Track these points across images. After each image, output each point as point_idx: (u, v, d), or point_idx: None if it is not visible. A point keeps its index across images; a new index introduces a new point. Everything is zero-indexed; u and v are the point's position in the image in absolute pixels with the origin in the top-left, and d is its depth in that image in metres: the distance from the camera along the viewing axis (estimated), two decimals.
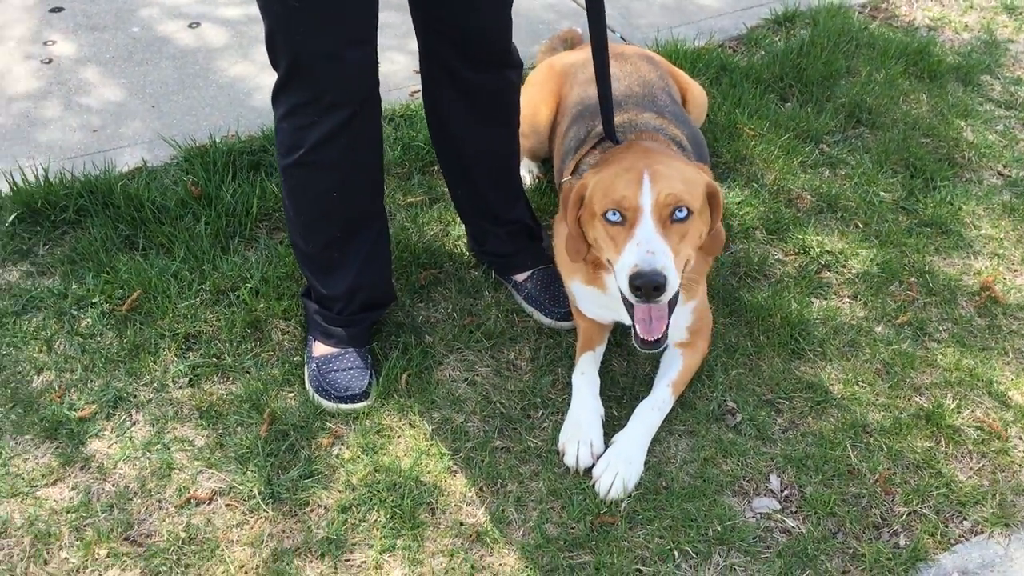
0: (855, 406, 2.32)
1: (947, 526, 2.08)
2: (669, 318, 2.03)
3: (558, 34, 3.30)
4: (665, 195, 1.93)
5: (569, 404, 2.25)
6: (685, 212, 1.95)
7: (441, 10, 2.10)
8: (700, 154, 2.46)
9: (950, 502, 2.12)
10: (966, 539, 2.06)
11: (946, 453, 2.22)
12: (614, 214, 1.97)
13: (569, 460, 2.14)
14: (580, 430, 2.17)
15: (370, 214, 2.24)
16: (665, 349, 2.22)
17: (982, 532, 2.08)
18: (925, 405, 2.32)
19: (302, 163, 2.06)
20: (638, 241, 1.92)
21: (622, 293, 1.99)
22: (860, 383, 2.38)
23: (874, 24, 3.79)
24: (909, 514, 2.10)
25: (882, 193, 2.92)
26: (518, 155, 2.48)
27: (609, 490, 2.09)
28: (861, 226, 2.81)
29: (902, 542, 2.05)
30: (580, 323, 2.38)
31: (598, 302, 2.27)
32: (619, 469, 2.11)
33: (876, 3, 3.97)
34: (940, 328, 2.53)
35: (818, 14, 3.73)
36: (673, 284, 1.91)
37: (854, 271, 2.67)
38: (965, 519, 2.10)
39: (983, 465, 2.20)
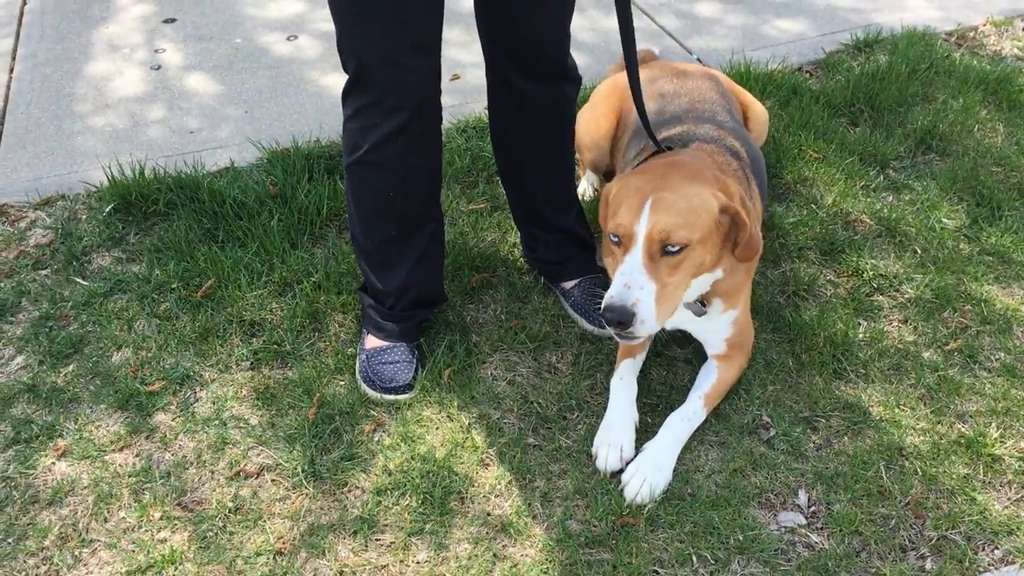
0: (893, 429, 2.31)
1: (976, 554, 2.06)
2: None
3: None
4: (659, 230, 1.97)
5: (606, 408, 2.32)
6: (678, 248, 1.98)
7: (503, 22, 2.21)
8: (757, 168, 2.49)
9: (982, 530, 2.10)
10: (995, 568, 2.04)
11: (984, 481, 2.20)
12: (614, 236, 2.04)
13: (599, 463, 2.22)
14: (612, 434, 2.24)
15: (425, 215, 2.37)
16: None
17: (1013, 563, 2.05)
18: (967, 432, 2.30)
19: (363, 162, 2.20)
20: (622, 271, 1.98)
21: None
22: (901, 406, 2.37)
23: (958, 52, 3.74)
24: (938, 539, 2.09)
25: (945, 220, 2.89)
26: (572, 166, 2.57)
27: (636, 494, 2.15)
28: (919, 252, 2.79)
29: (928, 566, 2.04)
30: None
31: None
32: (647, 475, 2.17)
33: (963, 32, 3.91)
34: (992, 357, 2.49)
35: (899, 40, 3.70)
36: (646, 318, 1.95)
37: (907, 295, 2.66)
38: (996, 548, 2.07)
39: (1022, 496, 2.17)
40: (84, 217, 3.00)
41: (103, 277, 2.75)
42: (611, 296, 1.97)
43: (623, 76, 2.88)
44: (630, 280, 1.97)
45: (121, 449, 2.28)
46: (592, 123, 2.75)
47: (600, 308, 2.00)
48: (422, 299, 2.45)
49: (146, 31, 4.07)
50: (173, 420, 2.35)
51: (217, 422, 2.34)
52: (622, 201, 2.06)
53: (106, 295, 2.69)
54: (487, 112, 2.48)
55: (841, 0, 4.19)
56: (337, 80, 3.69)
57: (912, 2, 4.17)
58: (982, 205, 2.93)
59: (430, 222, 2.38)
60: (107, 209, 2.96)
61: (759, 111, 2.86)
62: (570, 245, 2.61)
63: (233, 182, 3.04)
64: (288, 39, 4.02)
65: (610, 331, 2.50)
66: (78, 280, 2.75)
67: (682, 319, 2.33)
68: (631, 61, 2.17)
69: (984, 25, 3.96)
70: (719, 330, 2.35)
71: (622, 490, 2.17)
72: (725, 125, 2.50)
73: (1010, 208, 2.92)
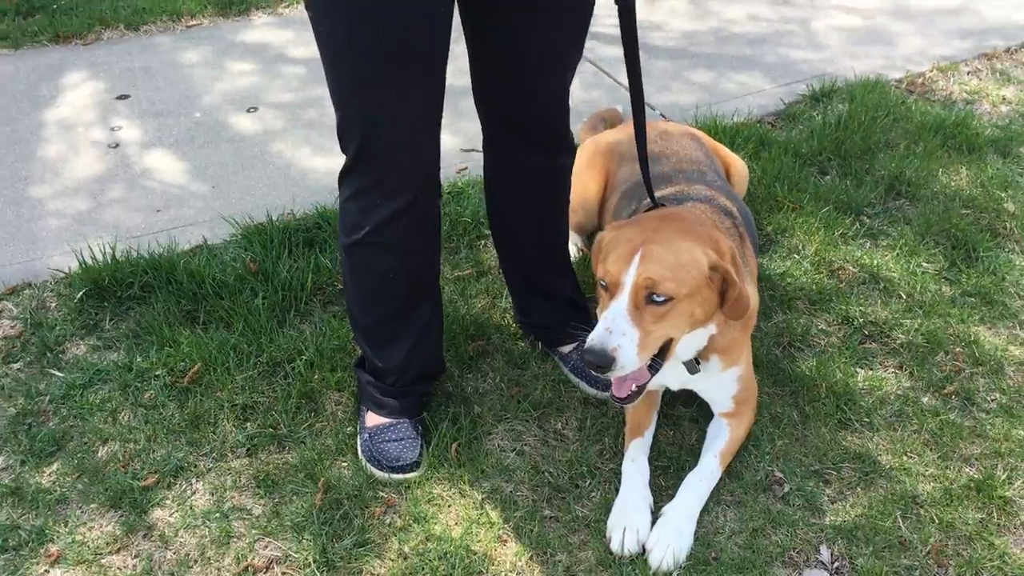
0: (904, 477, 2.32)
1: None
2: (650, 379, 2.11)
3: (598, 112, 3.41)
4: (645, 279, 1.98)
5: (619, 484, 2.27)
6: (663, 299, 1.99)
7: (504, 99, 2.21)
8: (748, 227, 2.51)
9: (1004, 575, 2.10)
10: None
11: (999, 525, 2.21)
12: (603, 281, 2.04)
13: (615, 546, 2.16)
14: (628, 517, 2.18)
15: (427, 290, 2.33)
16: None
17: None
18: (975, 476, 2.31)
19: (364, 243, 2.15)
20: (606, 315, 1.99)
21: None
22: (909, 454, 2.38)
23: (911, 98, 3.86)
24: None
25: (924, 264, 2.95)
26: (567, 233, 2.56)
27: (660, 563, 2.11)
28: (904, 297, 2.84)
29: None
30: (628, 418, 2.40)
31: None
32: (670, 541, 2.13)
33: (912, 78, 4.04)
34: (988, 398, 2.53)
35: (855, 89, 3.81)
36: (625, 363, 1.96)
37: (898, 341, 2.69)
38: None
39: None
40: (54, 305, 2.88)
41: (80, 367, 2.63)
42: (592, 339, 1.97)
43: (603, 137, 2.91)
44: (612, 325, 1.97)
45: (118, 551, 2.16)
46: (580, 186, 2.76)
47: (583, 353, 1.99)
48: (424, 373, 2.39)
49: (99, 109, 3.99)
50: (171, 515, 2.24)
51: (218, 514, 2.23)
52: (613, 249, 2.06)
53: (85, 386, 2.57)
54: (484, 184, 2.46)
55: (792, 52, 4.31)
56: (303, 152, 3.66)
57: (858, 51, 4.31)
58: (958, 248, 3.00)
59: (431, 296, 2.34)
60: (78, 295, 2.84)
61: (740, 167, 2.89)
62: (566, 310, 2.59)
63: (210, 261, 2.96)
64: (248, 111, 3.96)
65: (608, 394, 2.50)
66: (54, 372, 2.63)
67: (689, 378, 2.31)
68: (639, 122, 2.18)
69: (931, 71, 4.11)
70: (724, 387, 2.34)
71: (646, 559, 2.13)
72: (714, 184, 2.52)
73: (985, 249, 2.99)
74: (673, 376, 2.31)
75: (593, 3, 2.11)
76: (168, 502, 2.27)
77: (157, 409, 2.50)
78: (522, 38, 2.07)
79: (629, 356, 1.97)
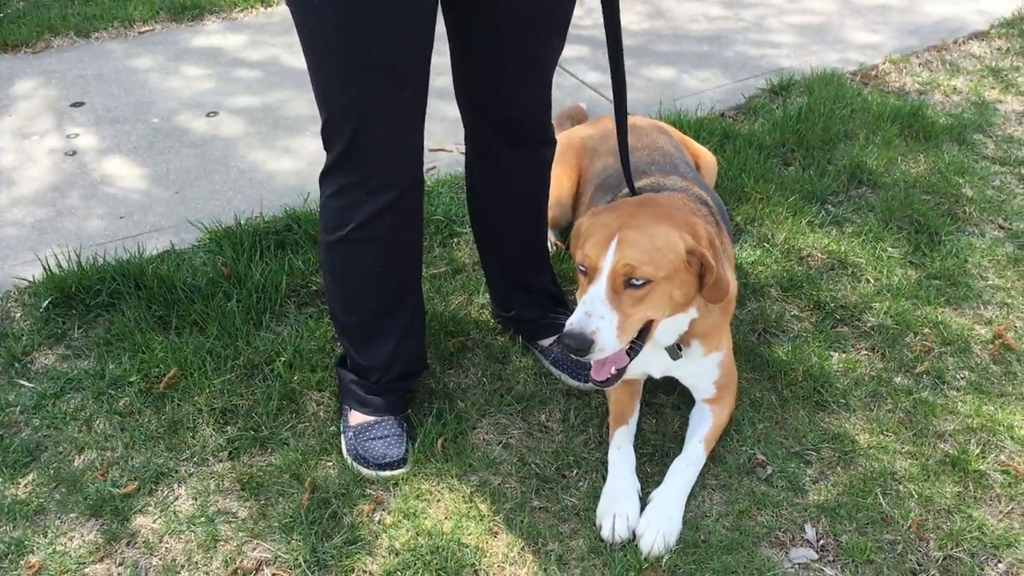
0: (882, 455, 2.36)
1: (983, 569, 2.11)
2: (629, 362, 2.13)
3: (564, 111, 3.42)
4: (623, 264, 2.00)
5: (606, 473, 2.28)
6: (641, 281, 2.01)
7: (487, 97, 2.21)
8: (723, 215, 2.55)
9: (984, 545, 2.15)
10: None
11: (975, 497, 2.26)
12: (581, 266, 2.07)
13: (606, 533, 2.17)
14: (617, 504, 2.20)
15: (410, 287, 2.32)
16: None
17: (1017, 574, 2.11)
18: (950, 451, 2.37)
19: (347, 239, 2.14)
20: (584, 300, 2.02)
21: None
22: (885, 432, 2.43)
23: (866, 90, 3.95)
24: (944, 559, 2.13)
25: (890, 249, 3.01)
26: (546, 227, 2.57)
27: (651, 547, 2.12)
28: (872, 281, 2.90)
29: None
30: (610, 396, 2.42)
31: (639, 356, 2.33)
32: (660, 526, 2.15)
33: (866, 71, 4.14)
34: (958, 376, 2.59)
35: (812, 82, 3.89)
36: (605, 345, 1.99)
37: (869, 324, 2.75)
38: (1000, 561, 2.13)
39: (1012, 508, 2.24)
40: (18, 315, 2.81)
41: (50, 377, 2.57)
42: (571, 323, 1.99)
43: (574, 133, 2.92)
44: (591, 309, 1.99)
45: (102, 559, 2.11)
46: (554, 183, 2.76)
47: (562, 336, 2.00)
48: (407, 370, 2.38)
49: (54, 116, 3.91)
50: (154, 522, 2.20)
51: (203, 519, 2.20)
52: (591, 234, 2.08)
53: (57, 396, 2.51)
54: (465, 182, 2.46)
55: (748, 48, 4.38)
56: (267, 155, 3.62)
57: (812, 46, 4.40)
58: (920, 232, 3.08)
59: (414, 293, 2.33)
60: (44, 304, 2.78)
61: (709, 159, 2.93)
62: (546, 303, 2.60)
63: (179, 265, 2.91)
64: (208, 115, 3.91)
65: (590, 385, 2.52)
66: (22, 383, 2.56)
67: (671, 364, 2.34)
68: (621, 116, 2.19)
69: (883, 64, 4.21)
70: (707, 374, 2.37)
71: (637, 544, 2.14)
72: (688, 175, 2.55)
73: (946, 233, 3.07)
74: (656, 363, 2.33)
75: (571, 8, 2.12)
76: (151, 508, 2.23)
77: (133, 416, 2.46)
78: (504, 35, 2.08)
79: (608, 339, 1.99)
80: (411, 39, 1.92)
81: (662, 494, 2.22)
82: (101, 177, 3.50)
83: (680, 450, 2.33)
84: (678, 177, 2.49)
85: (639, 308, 2.03)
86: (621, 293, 2.01)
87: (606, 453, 2.33)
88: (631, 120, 2.84)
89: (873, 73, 4.12)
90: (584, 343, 1.96)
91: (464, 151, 2.42)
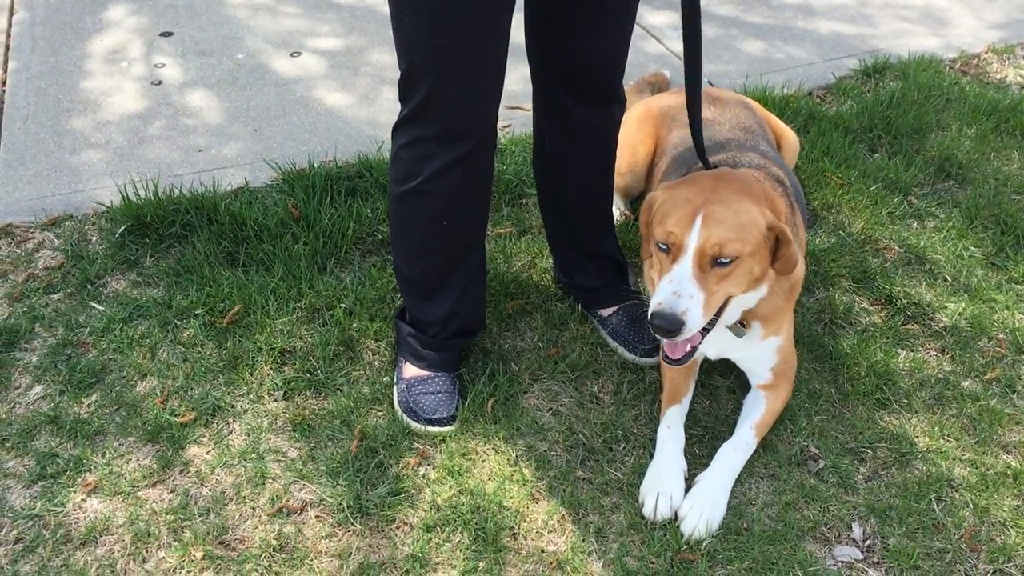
0: (940, 460, 2.30)
1: None
2: (702, 341, 2.09)
3: (645, 77, 3.36)
4: (712, 243, 1.96)
5: (653, 451, 2.27)
6: (729, 260, 1.97)
7: (561, 48, 2.17)
8: (798, 197, 2.48)
9: None
10: None
11: None
12: (663, 244, 2.02)
13: (647, 511, 2.15)
14: (662, 482, 2.18)
15: (473, 244, 2.31)
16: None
17: None
18: (1013, 463, 2.30)
19: (417, 191, 2.14)
20: (671, 278, 1.97)
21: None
22: (946, 437, 2.36)
23: (965, 79, 3.78)
24: (994, 572, 2.08)
25: (971, 248, 2.91)
26: (612, 191, 2.54)
27: (693, 530, 2.11)
28: (949, 280, 2.80)
29: None
30: (666, 373, 2.39)
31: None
32: (704, 509, 2.13)
33: (967, 59, 3.96)
34: None
35: (908, 67, 3.74)
36: (693, 326, 1.95)
37: (941, 324, 2.66)
38: None
39: None
40: (95, 239, 2.89)
41: (120, 302, 2.64)
42: (660, 303, 1.95)
43: (655, 101, 2.86)
44: (679, 288, 1.95)
45: (155, 484, 2.18)
46: (628, 149, 2.72)
47: (650, 318, 1.96)
48: (465, 327, 2.39)
49: (143, 44, 3.97)
50: (207, 453, 2.26)
51: (254, 455, 2.25)
52: (671, 210, 2.03)
53: (125, 321, 2.59)
54: (532, 138, 2.43)
55: (844, 27, 4.23)
56: (345, 99, 3.63)
57: (912, 29, 4.22)
58: (1007, 233, 2.96)
59: (478, 250, 2.33)
60: (120, 231, 2.85)
61: (791, 139, 2.85)
62: (608, 271, 2.57)
63: (251, 203, 2.95)
64: (291, 55, 3.93)
65: (646, 359, 2.49)
66: (94, 305, 2.64)
67: (728, 347, 2.30)
68: (695, 83, 2.14)
69: (986, 53, 4.02)
70: (763, 358, 2.32)
71: (678, 525, 2.13)
72: (768, 154, 2.49)
73: None
74: (713, 344, 2.29)
75: None
76: (205, 440, 2.29)
77: (196, 348, 2.51)
78: None
79: (696, 319, 1.96)
80: None
81: (708, 478, 2.20)
82: (183, 109, 3.56)
83: (731, 434, 2.30)
84: (756, 154, 2.43)
85: (722, 285, 2.00)
86: (707, 271, 1.98)
87: (655, 430, 2.31)
88: (716, 92, 2.78)
89: (974, 62, 3.94)
90: (675, 324, 1.92)
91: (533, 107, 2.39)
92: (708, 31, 4.16)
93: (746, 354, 2.34)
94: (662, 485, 2.17)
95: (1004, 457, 2.32)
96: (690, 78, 2.12)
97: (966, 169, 3.22)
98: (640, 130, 2.77)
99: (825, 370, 2.51)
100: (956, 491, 2.23)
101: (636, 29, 4.08)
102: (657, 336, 1.99)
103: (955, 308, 2.70)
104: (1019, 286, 2.79)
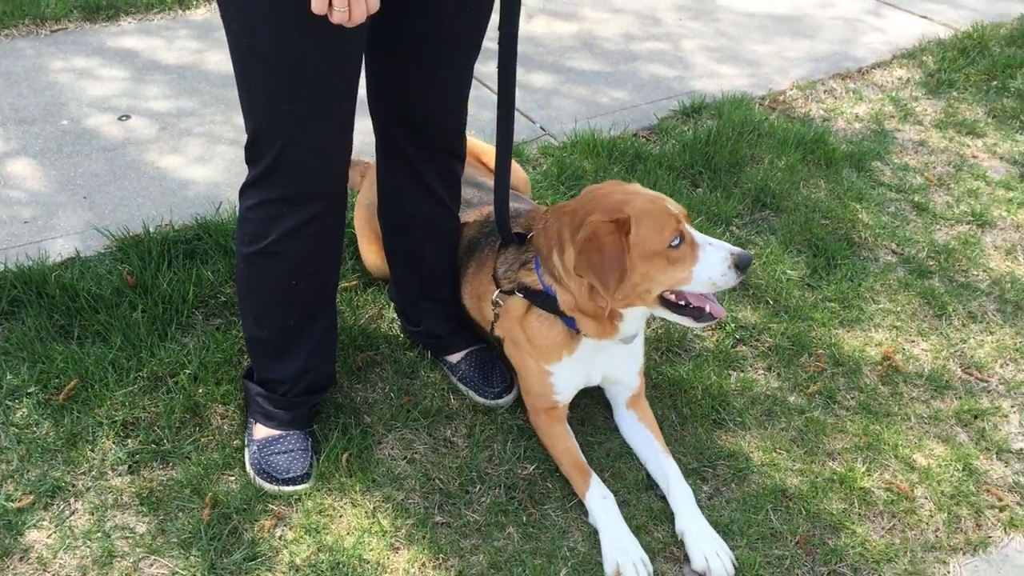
0: (774, 472, 2.46)
1: None
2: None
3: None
4: (683, 207, 2.22)
5: (598, 530, 2.24)
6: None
7: (400, 94, 2.21)
8: None
9: (866, 560, 2.26)
10: None
11: (859, 514, 2.37)
12: (674, 242, 2.14)
13: None
14: (629, 552, 2.18)
15: (325, 301, 2.32)
16: None
17: None
18: (838, 469, 2.48)
19: (266, 252, 2.13)
20: (707, 242, 2.16)
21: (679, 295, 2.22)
22: (778, 450, 2.53)
23: (773, 115, 4.08)
24: (829, 573, 2.23)
25: (789, 271, 3.13)
26: (458, 237, 2.60)
27: (725, 571, 2.18)
28: (771, 302, 3.01)
29: None
30: (563, 458, 2.38)
31: (583, 366, 2.38)
32: (715, 547, 2.20)
33: (774, 96, 4.28)
34: (848, 396, 2.71)
35: (722, 106, 4.01)
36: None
37: (767, 344, 2.85)
38: None
39: (893, 524, 2.36)
40: None
41: None
42: (732, 251, 2.14)
43: (365, 197, 2.88)
44: (713, 241, 2.18)
45: None
46: (375, 255, 2.81)
47: (736, 261, 2.14)
48: (316, 384, 2.39)
49: None
50: (49, 537, 2.16)
51: (99, 534, 2.17)
52: (656, 214, 2.14)
53: None
54: (377, 183, 2.47)
55: (662, 70, 4.49)
56: (178, 161, 3.57)
57: (722, 70, 4.53)
58: (818, 256, 3.20)
59: (328, 307, 2.34)
60: None
61: (522, 174, 3.02)
62: (453, 318, 2.63)
63: (83, 273, 2.86)
64: (120, 119, 3.84)
65: (496, 401, 2.55)
66: None
67: (611, 363, 2.42)
68: (504, 154, 2.26)
69: (791, 90, 4.36)
70: (635, 357, 2.46)
71: None
72: (521, 198, 2.68)
73: (843, 257, 3.20)
74: (600, 366, 2.41)
75: (490, 12, 2.16)
76: (45, 523, 2.19)
77: (31, 428, 2.41)
78: (422, 38, 2.10)
79: None
80: (349, 49, 1.92)
81: (688, 521, 2.25)
82: (6, 179, 3.42)
83: (640, 473, 2.40)
84: (518, 203, 2.56)
85: None
86: None
87: (509, 469, 2.37)
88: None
89: (781, 98, 4.27)
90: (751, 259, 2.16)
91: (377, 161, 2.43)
92: (537, 79, 4.33)
93: (623, 360, 2.44)
94: (632, 554, 2.17)
95: (830, 464, 2.50)
96: (502, 144, 2.23)
97: (779, 198, 3.48)
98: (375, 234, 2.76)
99: (665, 396, 2.65)
100: (790, 500, 2.39)
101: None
102: (739, 275, 2.15)
103: (778, 328, 2.90)
104: (832, 304, 3.02)
